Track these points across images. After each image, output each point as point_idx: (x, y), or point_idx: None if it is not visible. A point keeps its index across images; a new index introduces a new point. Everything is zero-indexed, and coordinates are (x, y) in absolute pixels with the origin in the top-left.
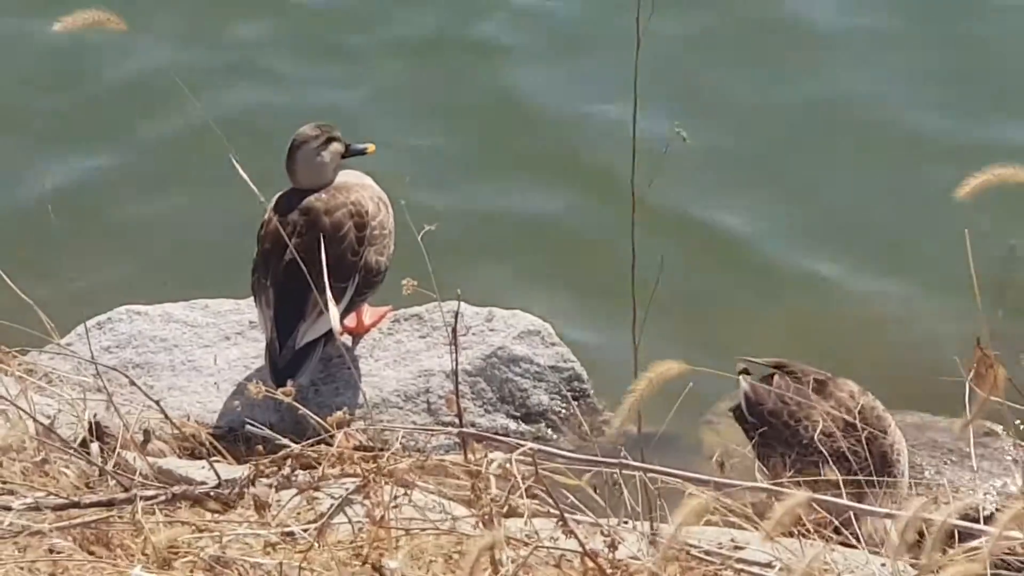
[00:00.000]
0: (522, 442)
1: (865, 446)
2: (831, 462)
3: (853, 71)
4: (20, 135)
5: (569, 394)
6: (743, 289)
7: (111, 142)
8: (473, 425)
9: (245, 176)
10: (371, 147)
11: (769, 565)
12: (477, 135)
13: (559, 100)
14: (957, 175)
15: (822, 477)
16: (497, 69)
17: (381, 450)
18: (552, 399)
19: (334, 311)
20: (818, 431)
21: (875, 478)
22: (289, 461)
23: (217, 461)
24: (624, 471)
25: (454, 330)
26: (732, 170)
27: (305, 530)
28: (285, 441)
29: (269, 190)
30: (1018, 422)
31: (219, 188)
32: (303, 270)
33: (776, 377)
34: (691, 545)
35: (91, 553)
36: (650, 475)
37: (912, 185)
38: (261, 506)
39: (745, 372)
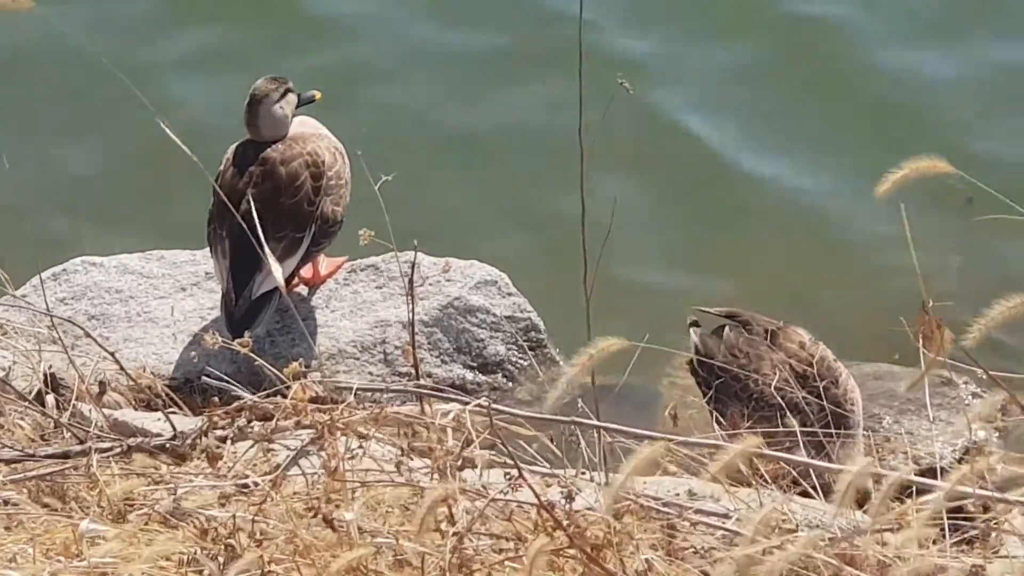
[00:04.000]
0: (475, 399)
1: (817, 396)
2: (783, 414)
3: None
4: None
5: (526, 344)
6: (698, 241)
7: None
8: (430, 376)
9: (177, 139)
10: (318, 94)
11: (726, 516)
12: (436, 87)
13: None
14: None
15: (777, 429)
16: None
17: (337, 401)
18: (509, 349)
19: (277, 269)
20: (767, 385)
21: (831, 429)
22: (244, 413)
23: (173, 413)
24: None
25: (410, 280)
26: (687, 119)
27: (259, 482)
28: (241, 392)
29: None
30: (965, 380)
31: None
32: (258, 221)
33: (727, 329)
34: (648, 496)
35: (45, 506)
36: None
37: (863, 142)
38: (214, 458)
39: (695, 324)
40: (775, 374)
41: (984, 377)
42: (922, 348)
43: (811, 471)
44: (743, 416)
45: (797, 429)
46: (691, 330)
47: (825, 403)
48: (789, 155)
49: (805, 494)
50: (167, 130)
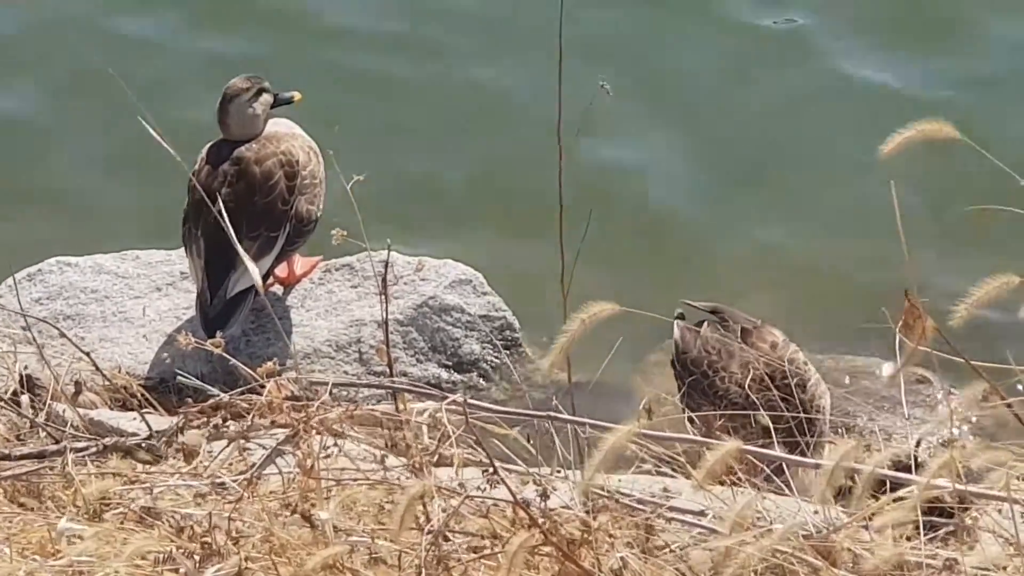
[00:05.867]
0: (450, 395)
1: (782, 399)
2: (748, 414)
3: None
4: None
5: (500, 343)
6: (674, 236)
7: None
8: (405, 374)
9: (159, 137)
10: (297, 95)
11: (701, 514)
12: (406, 93)
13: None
14: (884, 121)
15: (749, 427)
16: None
17: (311, 400)
18: (484, 348)
19: (253, 268)
20: (734, 383)
21: (795, 433)
22: (219, 411)
23: (148, 412)
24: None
25: (384, 280)
26: (659, 122)
27: (235, 481)
28: (216, 391)
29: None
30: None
31: (147, 137)
32: (232, 221)
33: (705, 325)
34: (622, 494)
35: (21, 505)
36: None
37: (834, 132)
38: (189, 455)
39: (680, 317)
40: (743, 373)
41: (963, 369)
42: (903, 337)
43: (785, 468)
44: (711, 410)
45: (770, 427)
46: (675, 323)
47: (788, 406)
48: (775, 146)
49: (778, 492)
50: (149, 128)
